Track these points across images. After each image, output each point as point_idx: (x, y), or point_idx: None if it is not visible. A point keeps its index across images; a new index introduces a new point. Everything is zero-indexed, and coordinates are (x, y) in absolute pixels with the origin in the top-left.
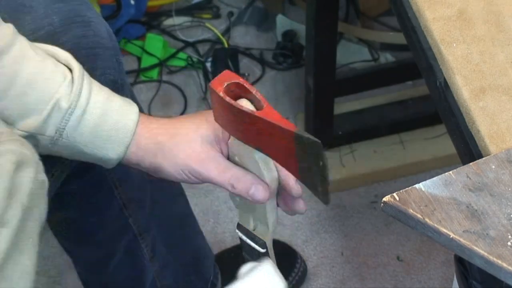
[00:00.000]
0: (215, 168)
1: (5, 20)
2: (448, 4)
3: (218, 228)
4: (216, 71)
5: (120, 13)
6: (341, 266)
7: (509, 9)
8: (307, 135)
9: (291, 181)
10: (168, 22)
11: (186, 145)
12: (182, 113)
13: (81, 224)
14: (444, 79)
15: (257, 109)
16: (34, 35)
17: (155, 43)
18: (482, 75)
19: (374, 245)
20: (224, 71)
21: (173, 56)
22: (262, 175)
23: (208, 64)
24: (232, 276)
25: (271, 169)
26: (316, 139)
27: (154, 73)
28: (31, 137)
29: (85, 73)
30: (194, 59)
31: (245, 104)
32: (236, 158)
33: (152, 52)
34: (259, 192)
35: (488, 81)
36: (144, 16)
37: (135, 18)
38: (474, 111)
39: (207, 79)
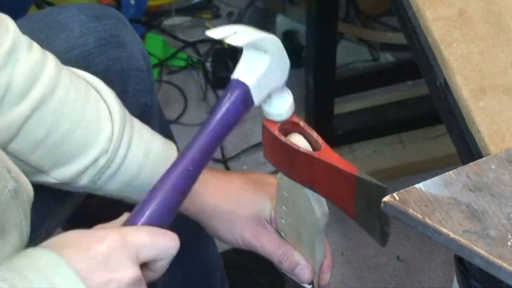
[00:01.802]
0: (269, 244)
1: (39, 38)
2: (448, 4)
3: None
4: (216, 71)
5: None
6: (341, 266)
7: (509, 9)
8: (370, 179)
9: (325, 278)
10: (168, 22)
11: (246, 218)
12: (182, 113)
13: None
14: (444, 79)
15: (314, 149)
16: (67, 55)
17: (155, 43)
18: (482, 75)
19: (374, 245)
20: None
21: (173, 56)
22: (313, 210)
23: (208, 64)
24: (231, 278)
25: (322, 205)
26: (380, 184)
27: (154, 73)
28: (62, 184)
29: (126, 117)
30: (194, 59)
31: (298, 139)
32: (285, 193)
33: (152, 52)
34: (304, 273)
35: (488, 81)
36: (144, 16)
37: (135, 18)
38: (474, 111)
39: (207, 79)
